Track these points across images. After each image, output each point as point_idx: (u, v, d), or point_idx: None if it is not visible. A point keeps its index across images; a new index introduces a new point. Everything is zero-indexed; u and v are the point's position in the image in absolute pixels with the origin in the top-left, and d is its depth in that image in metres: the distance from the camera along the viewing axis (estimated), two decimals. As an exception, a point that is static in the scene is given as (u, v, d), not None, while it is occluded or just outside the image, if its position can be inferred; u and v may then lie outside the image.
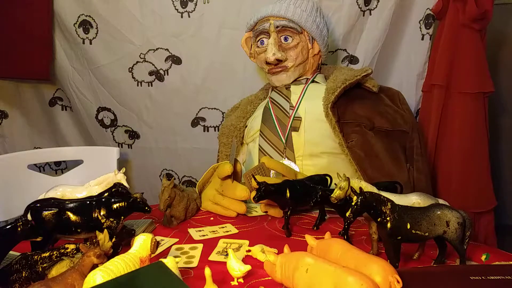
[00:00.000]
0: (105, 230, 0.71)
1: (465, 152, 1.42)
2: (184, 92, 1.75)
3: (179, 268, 0.66)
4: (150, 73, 1.75)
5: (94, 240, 0.71)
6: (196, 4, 1.66)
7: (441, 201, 0.80)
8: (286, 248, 0.71)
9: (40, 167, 1.93)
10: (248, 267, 0.70)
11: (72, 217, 0.81)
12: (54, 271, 0.67)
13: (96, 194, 0.94)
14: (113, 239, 0.73)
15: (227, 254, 0.78)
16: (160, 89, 1.76)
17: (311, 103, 1.29)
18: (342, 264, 0.62)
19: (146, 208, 0.85)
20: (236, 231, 0.98)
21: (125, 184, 0.96)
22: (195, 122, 1.80)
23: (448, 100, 1.45)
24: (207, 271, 0.66)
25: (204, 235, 0.95)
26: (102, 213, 0.81)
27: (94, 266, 0.64)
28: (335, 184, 0.84)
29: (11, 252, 0.75)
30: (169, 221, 1.03)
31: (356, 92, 1.30)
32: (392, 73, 1.70)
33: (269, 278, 0.71)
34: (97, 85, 1.79)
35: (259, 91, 1.57)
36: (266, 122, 1.33)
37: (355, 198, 0.72)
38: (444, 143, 1.46)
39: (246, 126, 1.44)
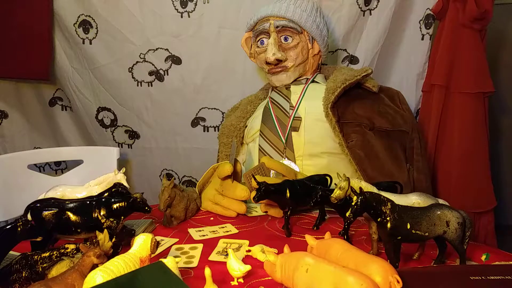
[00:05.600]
0: (105, 230, 0.71)
1: (465, 152, 1.42)
2: (184, 92, 1.75)
3: (179, 268, 0.66)
4: (150, 73, 1.75)
5: (94, 240, 0.71)
6: (196, 4, 1.66)
7: (441, 201, 0.80)
8: (286, 248, 0.71)
9: (40, 167, 1.93)
10: (248, 267, 0.70)
11: (72, 217, 0.81)
12: (54, 271, 0.67)
13: (96, 194, 0.94)
14: (113, 239, 0.73)
15: (227, 254, 0.78)
16: (160, 89, 1.76)
17: (311, 103, 1.29)
18: (342, 264, 0.62)
19: (146, 208, 0.85)
20: (236, 231, 0.98)
21: (125, 184, 0.96)
22: (195, 122, 1.80)
23: (448, 100, 1.45)
24: (207, 271, 0.66)
25: (204, 235, 0.95)
26: (102, 213, 0.81)
27: (94, 266, 0.64)
28: (335, 184, 0.84)
29: (11, 252, 0.75)
30: (169, 221, 1.03)
31: (356, 92, 1.30)
32: (392, 73, 1.70)
33: (269, 278, 0.71)
34: (97, 85, 1.79)
35: (259, 91, 1.57)
36: (266, 122, 1.33)
37: (355, 198, 0.72)
38: (444, 143, 1.46)
39: (246, 126, 1.44)
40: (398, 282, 0.58)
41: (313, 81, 1.39)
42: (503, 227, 1.65)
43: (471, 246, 0.77)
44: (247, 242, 0.90)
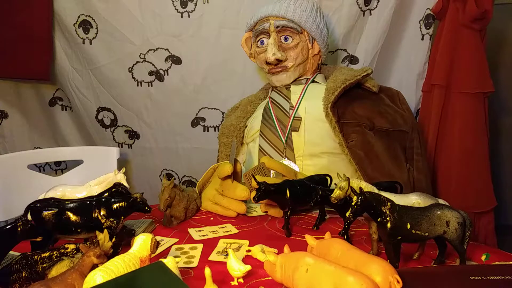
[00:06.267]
0: (105, 230, 0.71)
1: (465, 152, 1.42)
2: (184, 92, 1.76)
3: (179, 268, 0.66)
4: (150, 73, 1.75)
5: (94, 240, 0.71)
6: (196, 4, 1.66)
7: (441, 201, 0.80)
8: (286, 248, 0.71)
9: (40, 167, 1.93)
10: (248, 267, 0.70)
11: (72, 217, 0.81)
12: (54, 271, 0.67)
13: (96, 194, 0.94)
14: (113, 239, 0.73)
15: (227, 254, 0.78)
16: (160, 89, 1.76)
17: (311, 103, 1.29)
18: (342, 264, 0.62)
19: (146, 208, 0.85)
20: (236, 231, 0.98)
21: (125, 184, 0.96)
22: (195, 122, 1.80)
23: (448, 100, 1.45)
24: (207, 271, 0.66)
25: (204, 235, 0.95)
26: (102, 213, 0.81)
27: (94, 266, 0.64)
28: (335, 184, 0.84)
29: (11, 252, 0.74)
30: (169, 221, 1.03)
31: (356, 92, 1.30)
32: (392, 73, 1.70)
33: (269, 278, 0.71)
34: (97, 85, 1.79)
35: (259, 91, 1.57)
36: (266, 122, 1.33)
37: (355, 198, 0.72)
38: (444, 143, 1.46)
39: (246, 126, 1.44)
40: (398, 282, 0.58)
41: (313, 81, 1.39)
42: (503, 227, 1.65)
43: (471, 246, 0.77)
44: (247, 242, 0.90)
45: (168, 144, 1.83)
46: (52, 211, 0.80)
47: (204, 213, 1.14)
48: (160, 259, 0.65)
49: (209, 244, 0.89)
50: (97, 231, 0.72)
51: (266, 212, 1.08)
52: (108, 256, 0.69)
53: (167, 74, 1.75)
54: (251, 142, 1.38)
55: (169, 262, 0.64)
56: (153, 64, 1.74)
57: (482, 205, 1.43)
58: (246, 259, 0.80)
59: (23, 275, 0.68)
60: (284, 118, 1.30)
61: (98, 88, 1.80)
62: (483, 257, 0.77)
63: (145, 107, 1.80)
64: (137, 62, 1.74)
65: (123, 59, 1.74)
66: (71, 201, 0.84)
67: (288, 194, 0.93)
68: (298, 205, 0.98)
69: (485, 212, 1.44)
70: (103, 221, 0.81)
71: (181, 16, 1.68)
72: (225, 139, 1.45)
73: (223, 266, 0.73)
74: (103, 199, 0.85)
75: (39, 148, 1.89)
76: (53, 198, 0.86)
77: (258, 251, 0.77)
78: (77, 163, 1.64)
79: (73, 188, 0.95)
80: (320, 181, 1.06)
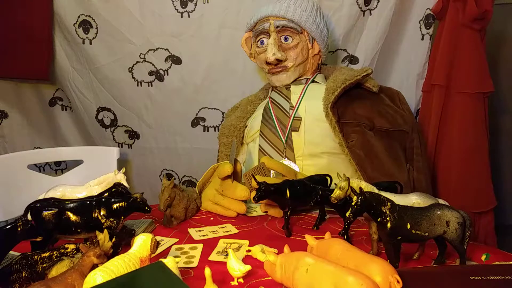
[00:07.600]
0: (105, 230, 0.71)
1: (465, 152, 1.42)
2: (184, 92, 1.76)
3: (179, 268, 0.66)
4: (150, 73, 1.75)
5: (94, 240, 0.71)
6: (196, 4, 1.66)
7: (441, 201, 0.80)
8: (286, 248, 0.71)
9: (40, 167, 1.93)
10: (248, 267, 0.70)
11: (72, 217, 0.81)
12: (54, 271, 0.67)
13: (96, 194, 0.94)
14: (113, 239, 0.73)
15: (227, 254, 0.78)
16: (160, 89, 1.76)
17: (311, 103, 1.29)
18: (342, 264, 0.62)
19: (146, 208, 0.85)
20: (236, 231, 0.98)
21: (125, 184, 0.96)
22: (195, 122, 1.80)
23: (448, 100, 1.45)
24: (207, 271, 0.66)
25: (204, 235, 0.95)
26: (102, 213, 0.81)
27: (94, 266, 0.64)
28: (335, 184, 0.84)
29: (11, 252, 0.75)
30: (169, 221, 1.03)
31: (356, 92, 1.30)
32: (392, 73, 1.70)
33: (269, 278, 0.71)
34: (97, 85, 1.79)
35: (259, 91, 1.57)
36: (266, 122, 1.33)
37: (355, 198, 0.72)
38: (444, 143, 1.46)
39: (246, 126, 1.44)
40: (398, 282, 0.58)
41: (313, 81, 1.39)
42: (503, 227, 1.65)
43: (471, 246, 0.77)
44: (247, 242, 0.90)
45: (168, 144, 1.83)
46: (52, 211, 0.80)
47: (204, 213, 1.14)
48: (160, 259, 0.65)
49: (209, 244, 0.89)
50: (97, 231, 0.72)
51: (266, 212, 1.08)
52: (108, 256, 0.69)
53: (167, 74, 1.75)
54: (251, 142, 1.38)
55: (169, 262, 0.64)
56: (153, 64, 1.74)
57: (482, 205, 1.43)
58: (246, 259, 0.80)
59: (23, 275, 0.68)
60: (284, 118, 1.30)
61: (98, 88, 1.80)
62: (483, 257, 0.77)
63: (145, 107, 1.80)
64: (137, 62, 1.74)
65: (123, 59, 1.74)
66: (71, 201, 0.84)
67: (288, 194, 0.93)
68: (298, 205, 0.98)
69: (485, 212, 1.44)
70: (103, 221, 0.81)
71: (181, 16, 1.68)
72: (225, 139, 1.45)
73: (223, 266, 0.73)
74: (103, 199, 0.85)
75: (39, 148, 1.89)
76: (53, 198, 0.86)
77: (258, 251, 0.77)
78: (77, 163, 1.64)
79: (73, 188, 0.95)
80: (320, 181, 1.06)
